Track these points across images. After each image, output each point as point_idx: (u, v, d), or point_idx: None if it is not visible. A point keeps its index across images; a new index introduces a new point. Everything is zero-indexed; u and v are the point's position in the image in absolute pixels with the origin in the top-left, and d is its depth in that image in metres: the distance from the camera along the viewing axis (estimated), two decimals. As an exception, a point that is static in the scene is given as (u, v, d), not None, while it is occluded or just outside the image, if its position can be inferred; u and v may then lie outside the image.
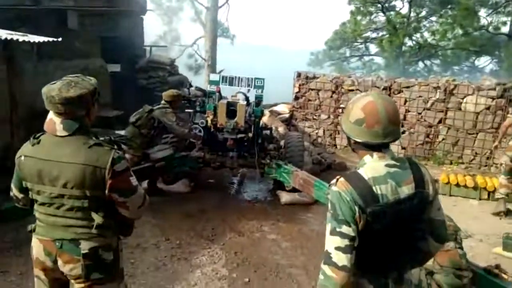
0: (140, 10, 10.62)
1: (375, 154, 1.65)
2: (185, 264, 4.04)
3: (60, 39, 4.83)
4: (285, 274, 3.97)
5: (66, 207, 1.88)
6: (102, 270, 1.94)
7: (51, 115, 1.89)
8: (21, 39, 4.31)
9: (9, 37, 4.31)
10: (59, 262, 1.92)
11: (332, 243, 1.55)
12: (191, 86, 6.47)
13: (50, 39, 4.76)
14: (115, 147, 1.95)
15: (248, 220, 5.18)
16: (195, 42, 16.44)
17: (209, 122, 5.52)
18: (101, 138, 2.03)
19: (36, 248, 1.97)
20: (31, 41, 4.46)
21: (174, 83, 9.55)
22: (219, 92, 6.02)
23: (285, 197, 5.76)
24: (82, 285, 1.94)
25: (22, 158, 1.90)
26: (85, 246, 1.89)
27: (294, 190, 5.59)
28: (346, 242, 1.53)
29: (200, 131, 5.57)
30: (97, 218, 1.89)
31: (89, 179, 1.82)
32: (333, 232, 1.56)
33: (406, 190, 1.63)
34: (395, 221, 1.61)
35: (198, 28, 16.81)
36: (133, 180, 1.94)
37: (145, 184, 5.78)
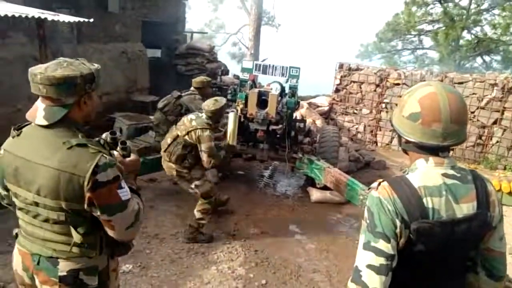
0: (183, -4, 10.53)
1: (432, 159, 1.34)
2: (201, 259, 3.85)
3: (91, 20, 4.74)
4: (306, 279, 3.68)
5: (41, 217, 1.55)
6: None
7: (38, 101, 1.57)
8: (50, 18, 4.25)
9: (40, 16, 4.26)
10: (36, 281, 1.62)
11: (364, 259, 1.28)
12: (222, 73, 6.23)
13: (82, 19, 4.68)
14: (105, 150, 1.57)
15: (274, 216, 4.92)
16: (239, 30, 16.26)
17: (239, 111, 5.26)
18: (97, 139, 1.63)
19: (16, 259, 1.71)
20: (61, 20, 4.40)
21: (212, 70, 9.39)
22: (253, 80, 5.76)
23: (315, 194, 5.43)
24: None
25: (2, 151, 1.61)
26: (63, 267, 1.57)
27: (326, 187, 5.26)
28: (381, 260, 1.25)
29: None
30: (76, 236, 1.54)
31: (64, 189, 1.46)
32: (367, 247, 1.29)
33: (465, 208, 1.30)
34: (445, 244, 1.29)
35: (243, 16, 16.62)
36: (123, 194, 1.52)
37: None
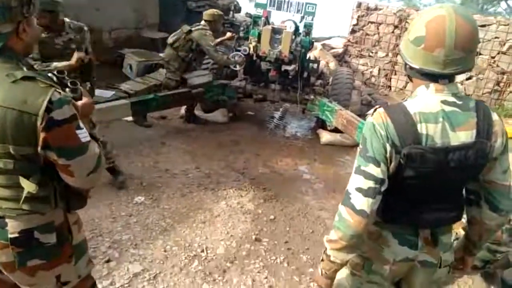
0: None
1: (432, 86, 1.30)
2: (212, 194, 3.93)
3: None
4: (313, 216, 3.76)
5: None
6: (43, 255, 1.43)
7: None
8: None
9: None
10: None
11: (354, 182, 1.32)
12: (235, 9, 5.99)
13: None
14: (56, 85, 1.34)
15: (283, 157, 4.95)
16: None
17: (251, 49, 5.11)
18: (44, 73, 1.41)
19: None
20: None
21: (224, 6, 9.03)
22: (266, 17, 5.55)
23: (325, 136, 5.42)
24: (18, 273, 1.43)
25: None
26: (13, 228, 1.37)
27: (336, 130, 5.24)
28: (369, 183, 1.28)
29: (240, 56, 5.18)
30: (28, 186, 1.33)
31: (12, 130, 1.24)
32: (358, 171, 1.31)
33: (463, 136, 1.27)
34: (437, 171, 1.28)
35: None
36: (82, 135, 1.33)
37: (182, 110, 5.67)
